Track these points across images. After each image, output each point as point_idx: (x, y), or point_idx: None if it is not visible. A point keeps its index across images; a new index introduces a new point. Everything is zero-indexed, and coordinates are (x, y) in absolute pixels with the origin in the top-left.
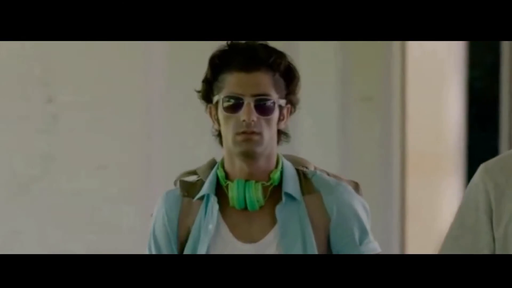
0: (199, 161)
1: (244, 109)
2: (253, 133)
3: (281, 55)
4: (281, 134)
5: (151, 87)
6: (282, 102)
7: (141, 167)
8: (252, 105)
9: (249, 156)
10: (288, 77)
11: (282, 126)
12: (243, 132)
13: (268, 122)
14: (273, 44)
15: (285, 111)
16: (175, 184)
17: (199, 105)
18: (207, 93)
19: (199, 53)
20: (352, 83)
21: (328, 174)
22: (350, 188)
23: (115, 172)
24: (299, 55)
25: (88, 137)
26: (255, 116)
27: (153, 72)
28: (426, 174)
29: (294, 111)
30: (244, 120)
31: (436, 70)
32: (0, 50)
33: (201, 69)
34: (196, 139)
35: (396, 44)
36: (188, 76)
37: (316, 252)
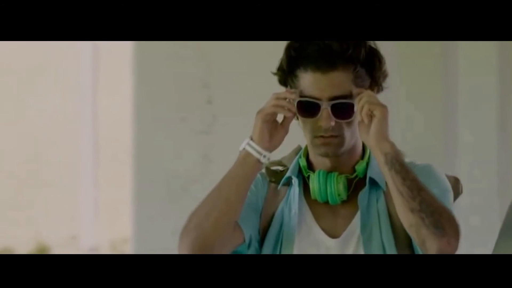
0: None
1: (321, 115)
2: (331, 136)
3: (358, 43)
4: None
5: None
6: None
7: None
8: (329, 109)
9: (329, 156)
10: (371, 65)
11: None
12: (321, 136)
13: (349, 123)
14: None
15: None
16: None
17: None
18: (284, 80)
19: None
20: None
21: None
22: (436, 168)
23: None
24: (458, 56)
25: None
26: (333, 121)
27: None
28: None
29: (382, 89)
30: (321, 126)
31: None
32: (162, 52)
33: None
34: None
35: None
36: None
37: (392, 248)
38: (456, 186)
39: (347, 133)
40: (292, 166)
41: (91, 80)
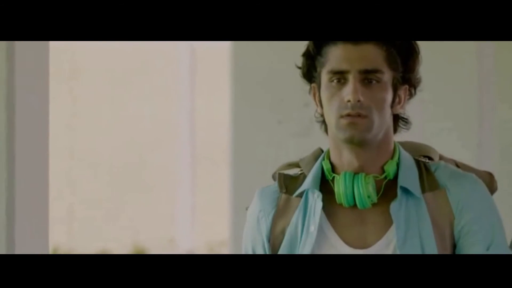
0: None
1: (348, 88)
2: (359, 116)
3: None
4: (399, 120)
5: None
6: (398, 81)
7: None
8: (358, 82)
9: (355, 143)
10: (405, 52)
11: (399, 110)
12: (348, 115)
13: (379, 103)
14: None
15: (401, 93)
16: (273, 178)
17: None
18: (308, 70)
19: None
20: None
21: (457, 164)
22: (480, 181)
23: None
24: None
25: None
26: (361, 95)
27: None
28: None
29: (414, 93)
30: (349, 101)
31: None
32: (258, 54)
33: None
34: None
35: None
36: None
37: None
38: (491, 182)
39: (375, 116)
40: (312, 174)
41: (189, 83)
